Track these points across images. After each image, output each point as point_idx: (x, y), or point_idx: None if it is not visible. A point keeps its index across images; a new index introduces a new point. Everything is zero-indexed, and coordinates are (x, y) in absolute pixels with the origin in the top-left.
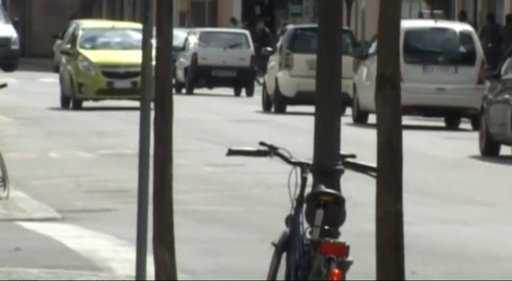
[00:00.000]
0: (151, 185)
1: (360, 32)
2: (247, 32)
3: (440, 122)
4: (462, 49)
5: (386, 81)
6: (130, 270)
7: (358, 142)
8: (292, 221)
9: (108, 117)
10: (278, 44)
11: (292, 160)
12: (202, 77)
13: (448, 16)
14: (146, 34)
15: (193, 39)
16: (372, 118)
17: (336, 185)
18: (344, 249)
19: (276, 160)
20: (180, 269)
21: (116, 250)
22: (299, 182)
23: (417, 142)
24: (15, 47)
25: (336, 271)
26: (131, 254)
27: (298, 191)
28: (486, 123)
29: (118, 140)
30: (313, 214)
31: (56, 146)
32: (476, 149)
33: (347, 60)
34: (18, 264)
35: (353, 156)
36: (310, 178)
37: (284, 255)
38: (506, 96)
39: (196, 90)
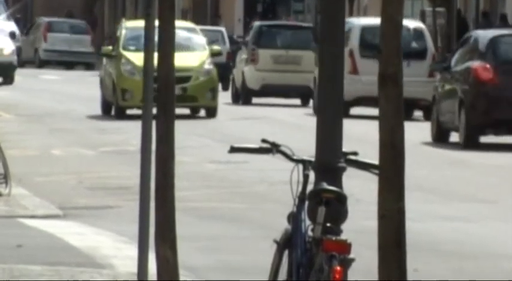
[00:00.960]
0: (153, 182)
1: None
2: (223, 29)
3: None
4: (414, 44)
5: (388, 79)
6: (132, 267)
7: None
8: (294, 218)
9: (110, 114)
10: (245, 40)
11: (295, 157)
12: None
13: (450, 14)
14: (148, 32)
15: None
16: None
17: (338, 182)
18: (346, 246)
19: (278, 157)
20: (181, 266)
21: (117, 247)
22: (301, 179)
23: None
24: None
25: (338, 268)
26: (133, 251)
27: (300, 189)
28: (437, 112)
29: (120, 137)
30: (315, 211)
31: (58, 143)
32: (428, 136)
33: (311, 56)
34: (20, 261)
35: (355, 153)
36: (312, 175)
37: (286, 252)
38: (455, 87)
39: None
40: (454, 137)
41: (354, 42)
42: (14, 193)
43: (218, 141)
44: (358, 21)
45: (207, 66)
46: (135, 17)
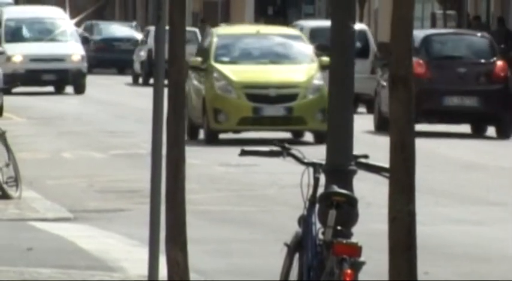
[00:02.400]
0: (164, 185)
1: (373, 32)
2: (197, 30)
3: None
4: (358, 44)
5: (399, 82)
6: (143, 270)
7: None
8: (304, 221)
9: (121, 117)
10: None
11: (305, 160)
12: None
13: (460, 17)
14: (159, 33)
15: (151, 35)
16: None
17: (348, 185)
18: (357, 249)
19: (289, 160)
20: (191, 269)
21: (128, 250)
22: (312, 182)
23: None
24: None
25: (349, 271)
26: (143, 254)
27: (310, 192)
28: (378, 104)
29: (130, 140)
30: (325, 215)
31: (69, 146)
32: (371, 126)
33: None
34: (31, 264)
35: (366, 156)
36: (322, 178)
37: (297, 255)
38: None
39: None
40: None
41: None
42: (24, 195)
43: (228, 144)
44: (307, 24)
45: (317, 81)
46: (146, 19)
